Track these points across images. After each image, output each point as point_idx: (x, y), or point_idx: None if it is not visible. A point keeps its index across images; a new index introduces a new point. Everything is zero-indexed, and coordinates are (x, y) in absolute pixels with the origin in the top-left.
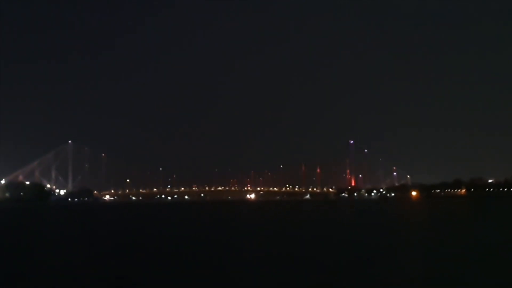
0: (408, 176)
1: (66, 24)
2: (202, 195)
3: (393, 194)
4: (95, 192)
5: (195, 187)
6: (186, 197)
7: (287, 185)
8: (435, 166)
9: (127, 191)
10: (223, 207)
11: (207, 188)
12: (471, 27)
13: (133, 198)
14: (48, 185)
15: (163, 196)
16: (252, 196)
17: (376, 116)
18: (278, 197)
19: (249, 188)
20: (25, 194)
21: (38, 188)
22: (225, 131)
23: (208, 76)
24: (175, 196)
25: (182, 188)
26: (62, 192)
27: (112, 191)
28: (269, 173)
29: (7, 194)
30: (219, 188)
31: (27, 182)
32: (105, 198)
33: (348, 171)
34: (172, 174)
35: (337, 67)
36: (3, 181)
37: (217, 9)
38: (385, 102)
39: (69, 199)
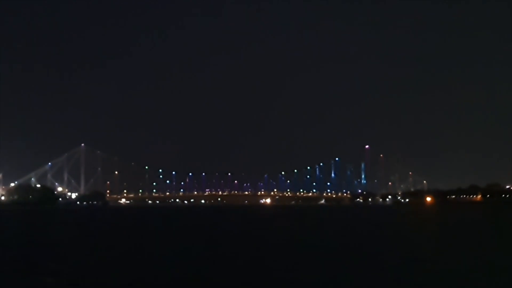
0: (425, 181)
1: (80, 26)
2: (219, 199)
3: (407, 200)
4: (109, 195)
5: (208, 191)
6: (202, 201)
7: (301, 190)
8: (452, 172)
9: (139, 194)
10: (249, 212)
11: (220, 192)
12: (484, 32)
13: (149, 202)
14: (60, 188)
15: (177, 200)
16: (268, 200)
17: (393, 122)
18: (293, 202)
19: (263, 192)
20: (34, 197)
21: (46, 191)
22: (238, 135)
23: (217, 80)
24: (192, 200)
25: (195, 192)
26: (74, 195)
27: (125, 194)
28: (283, 178)
29: (15, 197)
30: (233, 193)
31: (38, 185)
32: (121, 202)
33: (363, 176)
34: (185, 178)
35: (354, 70)
36: (12, 184)
37: (220, 12)
38: (401, 108)
39: (78, 202)
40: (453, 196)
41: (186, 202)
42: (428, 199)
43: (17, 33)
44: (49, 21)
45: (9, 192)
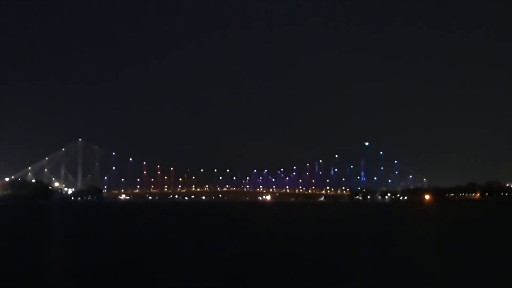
0: (425, 179)
1: (82, 21)
2: (220, 195)
3: (405, 198)
4: (107, 191)
5: (206, 187)
6: (203, 197)
7: (300, 187)
8: (453, 170)
9: (137, 190)
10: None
11: (218, 188)
12: (483, 30)
13: (150, 197)
14: (57, 183)
15: (176, 196)
16: (268, 197)
17: (393, 119)
18: (292, 199)
19: (261, 189)
20: (28, 192)
21: (41, 186)
22: (237, 131)
23: (216, 76)
24: (192, 196)
25: (193, 188)
26: (71, 190)
27: (123, 190)
28: (281, 174)
29: (9, 192)
30: (232, 189)
31: (34, 180)
32: (121, 198)
33: (362, 173)
34: (184, 174)
35: (355, 68)
36: (7, 179)
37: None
38: (401, 105)
39: (72, 198)
40: (452, 194)
41: (186, 198)
42: (427, 197)
43: (18, 33)
44: (51, 23)
45: (3, 186)
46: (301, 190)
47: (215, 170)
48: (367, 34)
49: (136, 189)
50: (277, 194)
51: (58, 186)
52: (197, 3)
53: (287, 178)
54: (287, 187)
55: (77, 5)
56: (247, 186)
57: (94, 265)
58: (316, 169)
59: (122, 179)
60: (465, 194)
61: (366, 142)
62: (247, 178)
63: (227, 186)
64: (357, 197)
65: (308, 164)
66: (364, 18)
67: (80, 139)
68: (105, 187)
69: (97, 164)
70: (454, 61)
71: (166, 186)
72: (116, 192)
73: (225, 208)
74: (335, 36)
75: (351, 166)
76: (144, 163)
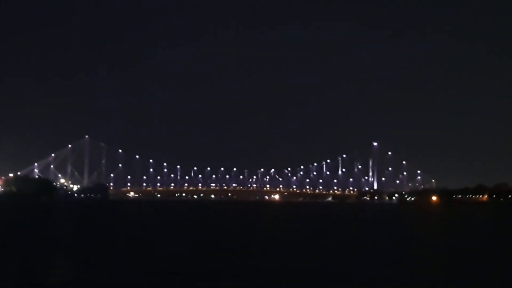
0: (433, 180)
1: (82, 21)
2: (229, 194)
3: (412, 199)
4: (115, 189)
5: (213, 185)
6: (212, 196)
7: (308, 186)
8: (462, 171)
9: (143, 187)
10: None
11: (225, 187)
12: (489, 33)
13: (158, 195)
14: (63, 180)
15: (183, 194)
16: (276, 197)
17: (401, 119)
18: (300, 199)
19: (268, 188)
20: (32, 188)
21: (45, 183)
22: (244, 131)
23: (221, 74)
24: (201, 194)
25: (200, 186)
26: (76, 187)
27: (129, 187)
28: (289, 174)
29: (13, 188)
30: (239, 188)
31: (37, 176)
32: (130, 195)
33: (370, 173)
34: (190, 172)
35: (363, 68)
36: (11, 175)
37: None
38: (410, 106)
39: (76, 195)
40: (459, 196)
41: (195, 196)
42: (434, 198)
43: (21, 33)
44: (51, 23)
45: (7, 182)
46: (308, 190)
47: (222, 169)
48: (378, 34)
49: (142, 187)
50: (285, 193)
51: (63, 183)
52: (197, 3)
53: (294, 177)
54: (294, 186)
55: (77, 5)
56: (254, 185)
57: None
58: (324, 169)
59: (129, 177)
60: (473, 196)
61: (375, 142)
62: (254, 177)
63: (234, 184)
64: (365, 197)
65: (315, 164)
66: (365, 18)
67: (86, 136)
68: (111, 184)
69: (103, 161)
70: (463, 63)
71: (172, 184)
72: (125, 189)
73: (238, 209)
74: (345, 37)
75: (359, 167)
76: (151, 160)
